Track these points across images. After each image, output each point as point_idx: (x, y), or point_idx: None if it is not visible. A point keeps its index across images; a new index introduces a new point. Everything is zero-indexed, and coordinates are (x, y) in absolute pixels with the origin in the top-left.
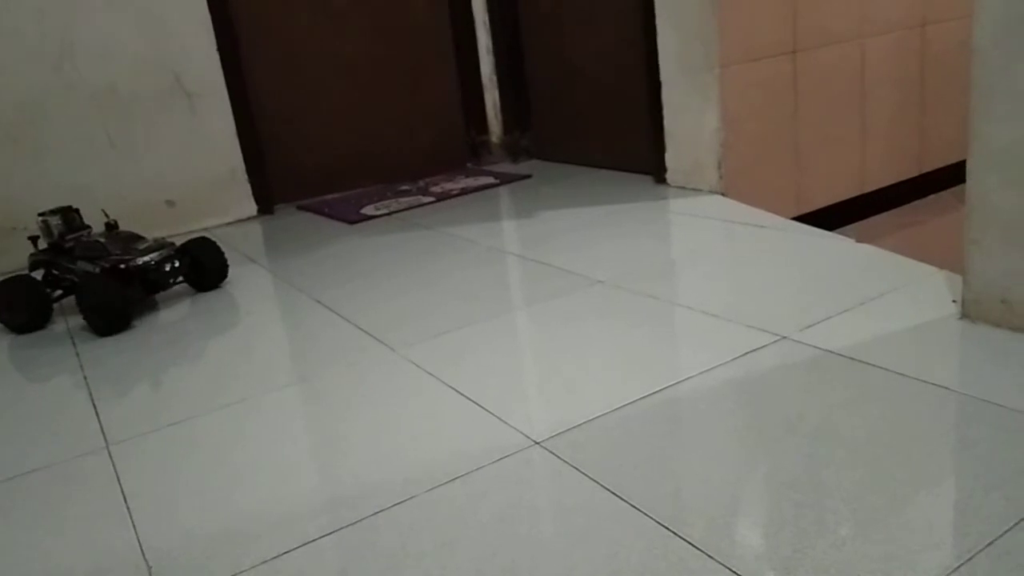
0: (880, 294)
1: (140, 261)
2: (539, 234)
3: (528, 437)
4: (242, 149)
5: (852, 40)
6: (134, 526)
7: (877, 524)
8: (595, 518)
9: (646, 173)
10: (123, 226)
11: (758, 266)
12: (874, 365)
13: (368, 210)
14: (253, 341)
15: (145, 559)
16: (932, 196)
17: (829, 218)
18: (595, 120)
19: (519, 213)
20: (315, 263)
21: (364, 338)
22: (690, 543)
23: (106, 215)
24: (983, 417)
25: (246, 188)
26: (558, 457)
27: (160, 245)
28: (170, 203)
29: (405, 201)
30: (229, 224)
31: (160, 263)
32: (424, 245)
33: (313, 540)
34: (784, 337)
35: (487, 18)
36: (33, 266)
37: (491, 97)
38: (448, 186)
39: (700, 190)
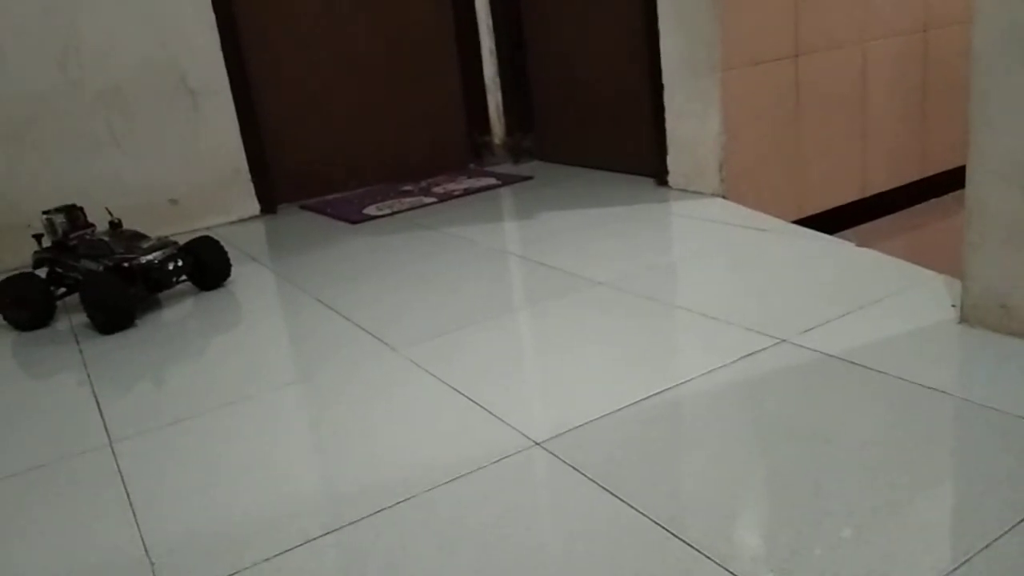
0: (880, 298)
1: (143, 260)
2: (540, 235)
3: (528, 438)
4: (245, 148)
5: (854, 44)
6: (137, 522)
7: (875, 527)
8: (594, 519)
9: (648, 175)
10: (127, 225)
11: (759, 269)
12: (873, 369)
13: (370, 210)
14: (255, 340)
15: (148, 555)
16: (933, 200)
17: (830, 222)
18: (597, 122)
19: (521, 214)
20: (317, 262)
21: (365, 337)
22: (689, 544)
23: (110, 213)
24: (981, 421)
25: (249, 187)
26: (558, 458)
27: (163, 244)
28: (173, 202)
29: (407, 201)
30: (232, 223)
31: (163, 262)
32: (426, 245)
33: (314, 538)
34: (784, 340)
35: (490, 20)
36: (37, 264)
37: (494, 98)
38: (450, 187)
39: (702, 193)
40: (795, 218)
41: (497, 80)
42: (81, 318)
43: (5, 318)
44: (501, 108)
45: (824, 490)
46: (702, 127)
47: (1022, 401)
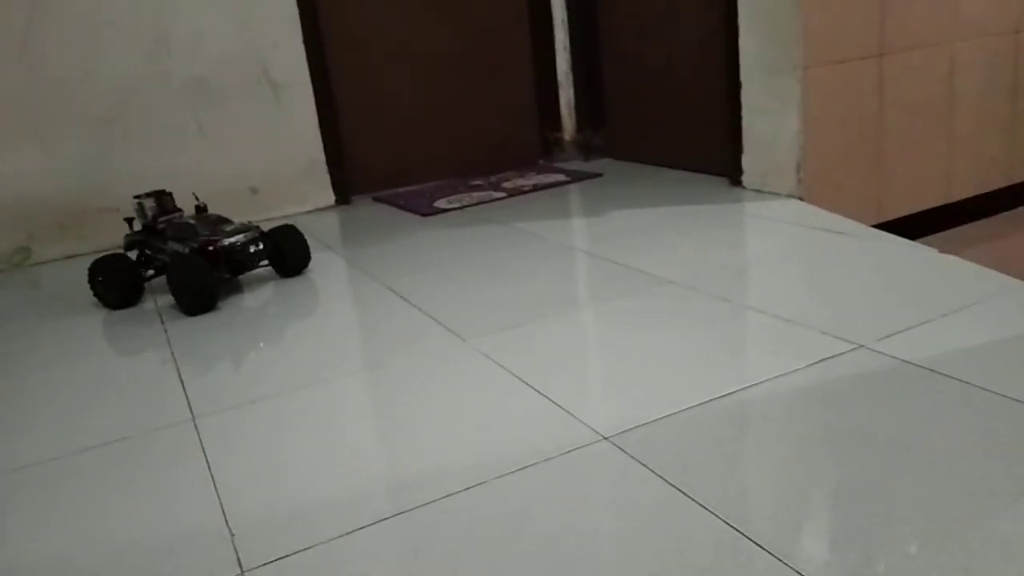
0: (963, 306)
1: (227, 242)
2: (610, 232)
3: (596, 432)
4: (323, 141)
5: (942, 45)
6: (218, 495)
7: (952, 538)
8: (663, 514)
9: (721, 175)
10: (210, 210)
11: (836, 273)
12: (954, 378)
13: (441, 203)
14: (330, 326)
15: (228, 526)
16: (1021, 208)
17: (911, 227)
18: (670, 120)
19: (590, 211)
20: (389, 253)
21: (436, 327)
22: (758, 544)
23: (196, 198)
24: None
25: (325, 178)
26: (626, 453)
27: (246, 227)
28: (254, 190)
29: (477, 196)
30: (308, 213)
31: (246, 244)
32: (495, 239)
33: (386, 518)
34: (861, 346)
35: (565, 15)
36: (128, 246)
37: (565, 95)
38: (519, 182)
39: (777, 194)
40: (874, 222)
41: (569, 76)
42: (167, 299)
43: (96, 296)
44: (572, 104)
45: (899, 500)
46: (780, 126)
47: None
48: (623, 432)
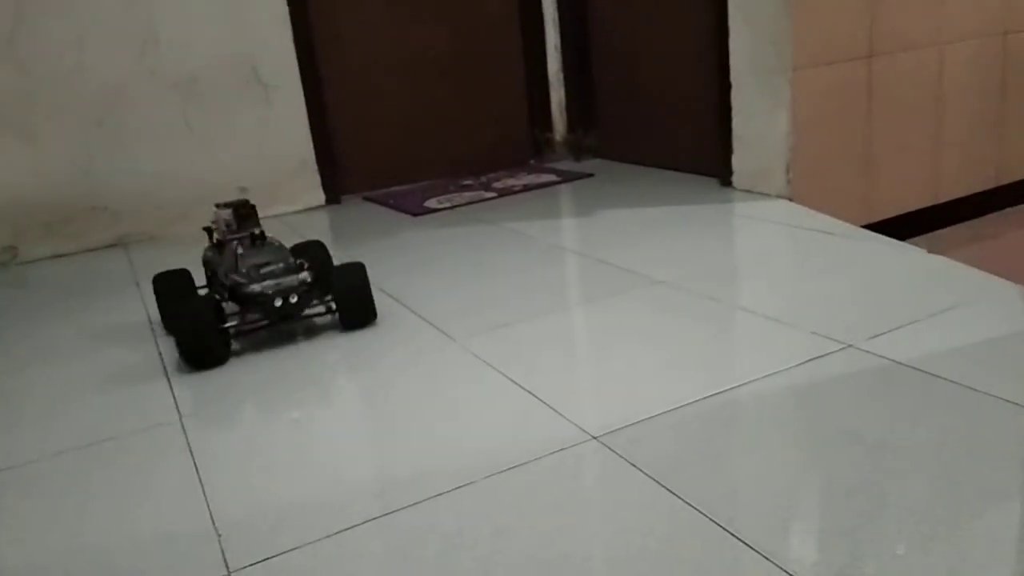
0: (951, 306)
1: (251, 289)
2: (601, 232)
3: (585, 431)
4: (313, 141)
5: (930, 46)
6: (205, 495)
7: (940, 537)
8: (651, 513)
9: (711, 175)
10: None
11: (825, 273)
12: (943, 378)
13: (431, 203)
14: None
15: (215, 527)
16: (1009, 209)
17: (900, 228)
18: (661, 120)
19: (581, 211)
20: (379, 253)
21: (425, 327)
22: (747, 543)
23: (244, 197)
24: None
25: (315, 178)
26: (615, 452)
27: (290, 268)
28: (243, 190)
29: (467, 196)
30: (298, 212)
31: (277, 294)
32: (485, 240)
33: (374, 519)
34: (850, 345)
35: (556, 15)
36: (204, 262)
37: (556, 95)
38: (510, 182)
39: (767, 194)
40: (863, 223)
41: (560, 76)
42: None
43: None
44: (564, 105)
45: (887, 499)
46: (770, 127)
47: None
48: (612, 432)
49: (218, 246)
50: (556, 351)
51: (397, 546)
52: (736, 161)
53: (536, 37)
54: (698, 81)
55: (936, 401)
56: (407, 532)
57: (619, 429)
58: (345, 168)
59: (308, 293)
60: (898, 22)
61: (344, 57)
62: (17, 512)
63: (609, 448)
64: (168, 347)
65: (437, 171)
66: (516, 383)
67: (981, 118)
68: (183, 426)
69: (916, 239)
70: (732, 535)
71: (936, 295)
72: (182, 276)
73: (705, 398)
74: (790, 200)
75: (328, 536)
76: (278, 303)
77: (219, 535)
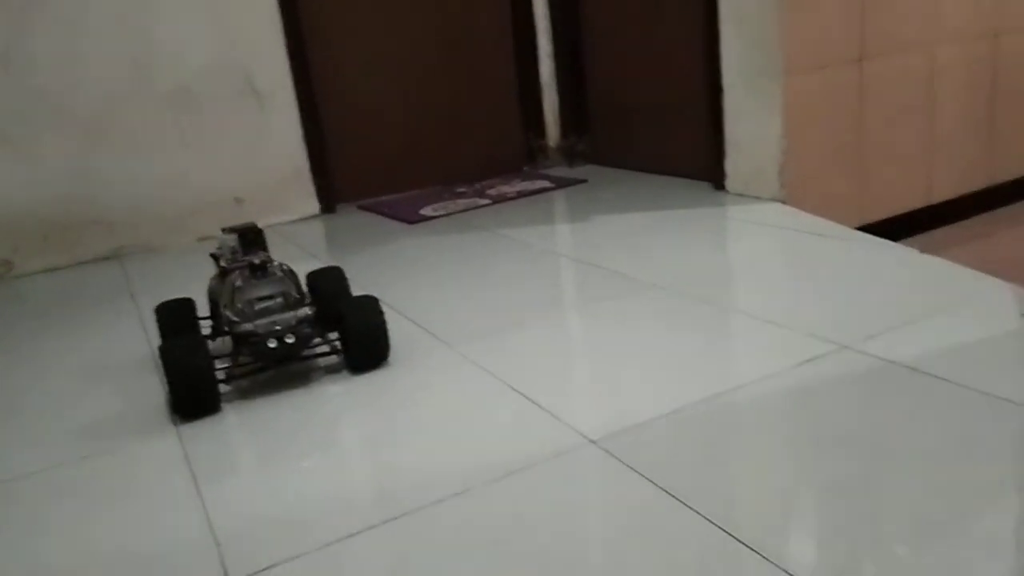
0: (946, 306)
1: (243, 328)
2: (595, 238)
3: (583, 436)
4: (308, 149)
5: (922, 49)
6: (203, 504)
7: (937, 536)
8: (650, 516)
9: (705, 180)
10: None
11: (819, 275)
12: (938, 377)
13: (426, 211)
14: None
15: (214, 535)
16: (1001, 209)
17: (893, 229)
18: (653, 125)
19: (575, 217)
20: (375, 261)
21: (422, 334)
22: (747, 545)
23: (245, 239)
24: None
25: (310, 187)
26: (613, 456)
27: (290, 302)
28: (238, 200)
29: (462, 203)
30: (293, 222)
31: (271, 335)
32: (480, 246)
33: (374, 526)
34: (846, 347)
35: (548, 22)
36: (209, 292)
37: (549, 101)
38: (504, 189)
39: (760, 198)
40: (857, 225)
41: (553, 83)
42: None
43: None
44: (557, 111)
45: (885, 499)
46: (762, 130)
47: None
48: (610, 435)
49: (222, 275)
50: (552, 356)
51: (398, 553)
52: (729, 165)
53: (528, 44)
54: (690, 86)
55: (932, 400)
56: (408, 539)
57: (617, 433)
58: (340, 177)
59: (310, 332)
60: (889, 24)
61: (338, 66)
62: (16, 523)
63: (608, 452)
64: None
65: (432, 179)
66: (514, 388)
67: (973, 119)
68: (179, 435)
69: (909, 240)
70: (732, 536)
71: (930, 295)
72: (184, 307)
73: (702, 401)
74: (783, 203)
75: (328, 544)
76: (272, 344)
77: (218, 544)
